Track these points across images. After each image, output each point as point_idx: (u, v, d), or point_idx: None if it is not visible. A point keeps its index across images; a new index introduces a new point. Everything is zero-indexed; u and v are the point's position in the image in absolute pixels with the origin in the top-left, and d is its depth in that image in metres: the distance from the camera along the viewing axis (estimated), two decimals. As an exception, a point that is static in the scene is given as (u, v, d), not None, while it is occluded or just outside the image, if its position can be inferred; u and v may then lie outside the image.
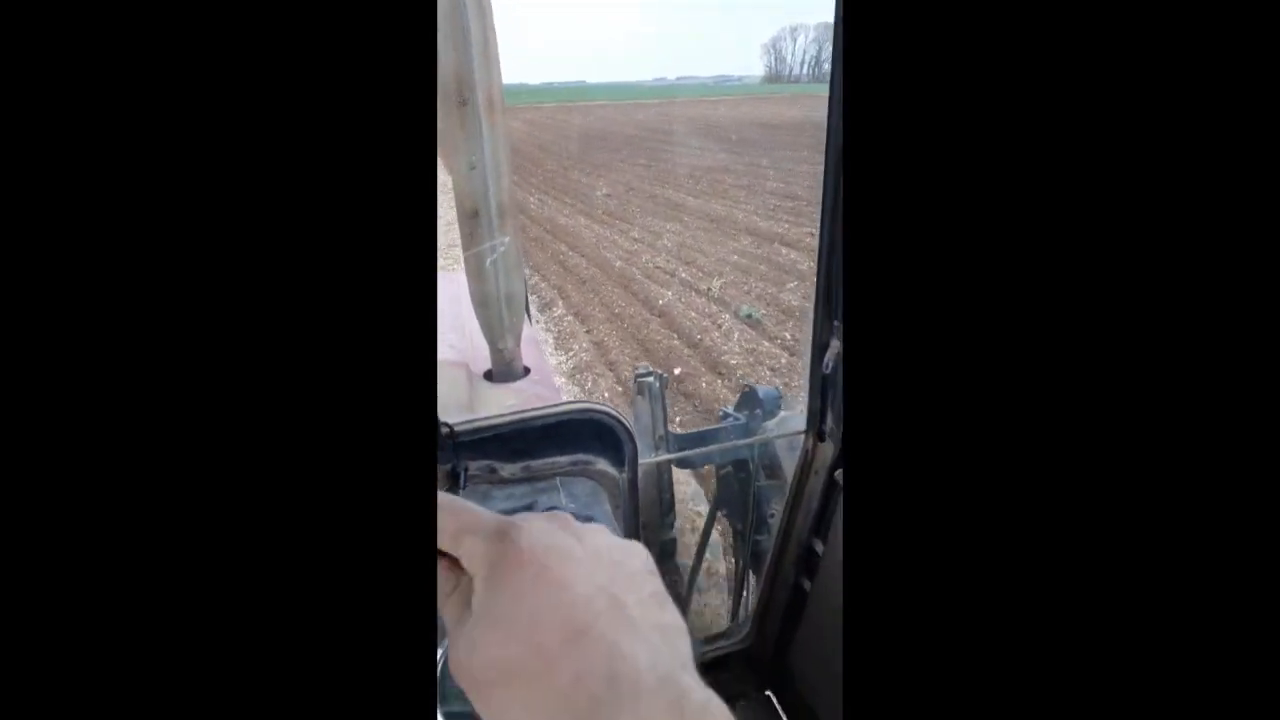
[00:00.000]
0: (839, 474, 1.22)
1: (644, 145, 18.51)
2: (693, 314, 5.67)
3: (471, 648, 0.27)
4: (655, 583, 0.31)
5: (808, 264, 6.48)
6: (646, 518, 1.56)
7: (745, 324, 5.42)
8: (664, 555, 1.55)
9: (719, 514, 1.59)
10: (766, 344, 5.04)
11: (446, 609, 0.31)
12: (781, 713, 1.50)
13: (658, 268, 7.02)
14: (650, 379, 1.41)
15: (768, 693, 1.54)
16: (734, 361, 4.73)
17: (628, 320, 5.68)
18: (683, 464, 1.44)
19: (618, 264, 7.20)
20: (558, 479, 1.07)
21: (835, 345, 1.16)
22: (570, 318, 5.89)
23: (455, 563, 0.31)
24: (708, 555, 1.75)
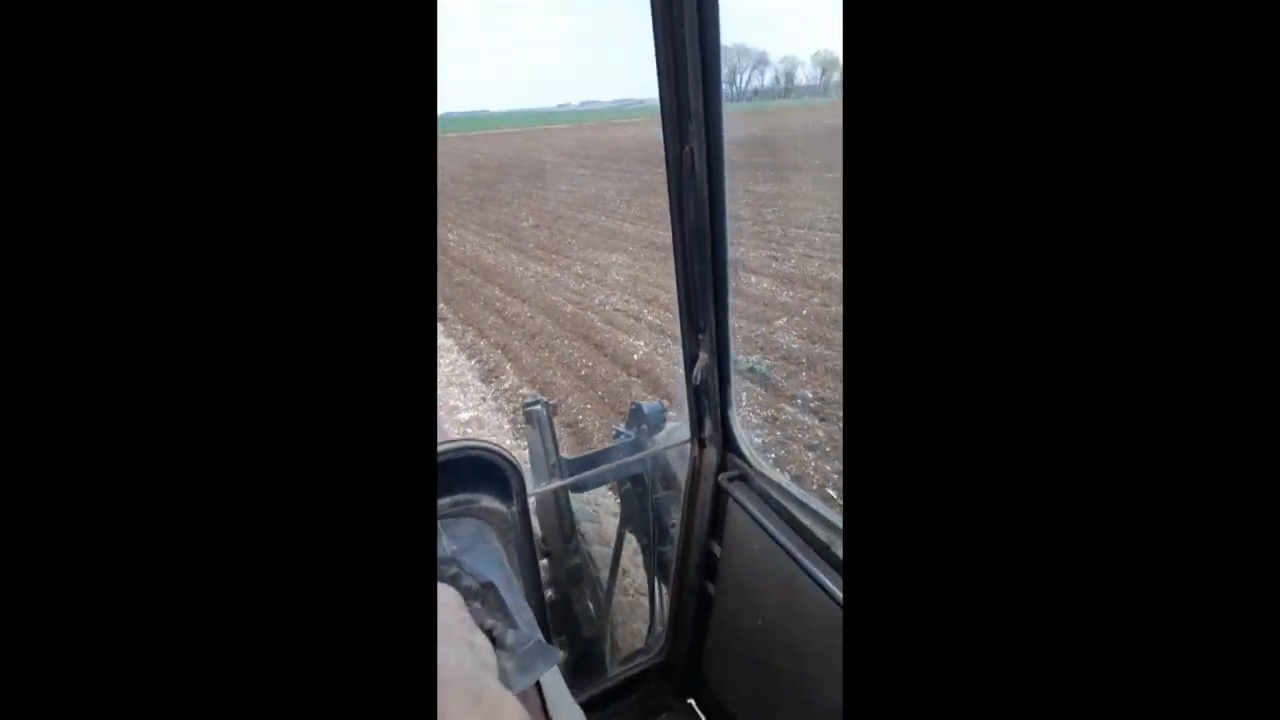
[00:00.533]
0: (723, 477, 1.28)
1: (562, 170, 17.70)
2: (679, 369, 4.79)
3: None
4: (464, 613, 0.45)
5: (789, 294, 5.88)
6: (551, 546, 1.55)
7: (749, 379, 4.31)
8: (571, 580, 1.55)
9: (625, 531, 1.60)
10: (789, 409, 3.90)
11: None
12: (704, 718, 1.52)
13: (618, 310, 5.85)
14: (538, 407, 1.41)
15: (690, 701, 1.57)
16: (760, 440, 3.54)
17: (601, 385, 4.34)
18: (577, 488, 1.45)
19: (569, 309, 5.95)
20: (439, 523, 1.04)
21: (703, 357, 1.22)
22: (526, 390, 4.42)
23: None
24: (627, 583, 1.76)
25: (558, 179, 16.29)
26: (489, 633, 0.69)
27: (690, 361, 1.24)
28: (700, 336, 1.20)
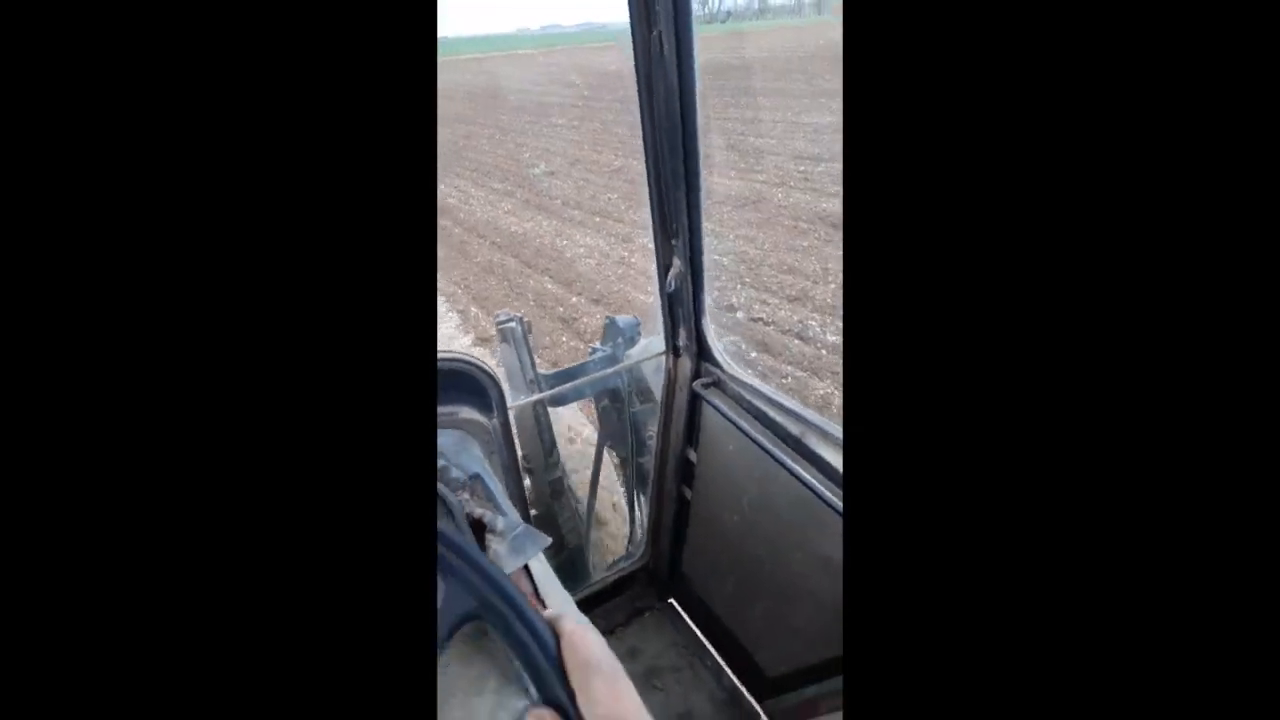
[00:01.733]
0: (698, 384, 1.30)
1: (550, 101, 15.22)
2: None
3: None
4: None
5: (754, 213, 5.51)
6: (532, 462, 1.58)
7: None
8: (555, 494, 1.59)
9: (604, 447, 1.64)
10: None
11: None
12: (686, 616, 1.62)
13: (773, 325, 4.08)
14: (512, 324, 1.39)
15: (670, 600, 1.66)
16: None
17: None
18: (555, 401, 1.47)
19: (647, 299, 4.46)
20: None
21: (676, 264, 1.21)
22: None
23: None
24: (606, 491, 1.82)
25: (548, 111, 13.94)
26: (479, 520, 0.70)
27: (664, 270, 1.23)
28: (674, 242, 1.18)
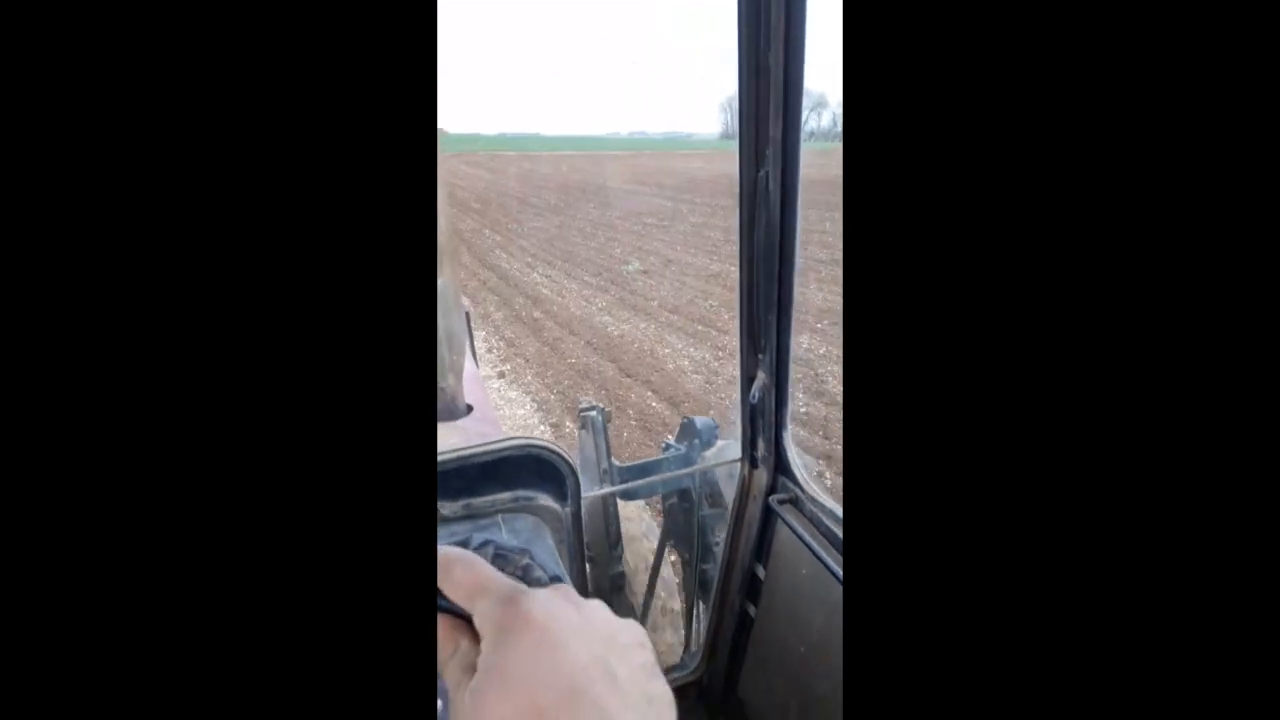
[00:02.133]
0: (774, 499, 1.28)
1: (639, 199, 15.58)
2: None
3: (476, 704, 0.29)
4: (646, 655, 0.33)
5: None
6: (595, 552, 1.58)
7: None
8: (614, 588, 1.57)
9: (668, 545, 1.62)
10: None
11: (447, 672, 0.33)
12: None
13: None
14: (593, 413, 1.44)
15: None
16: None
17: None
18: (627, 496, 1.47)
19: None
20: (499, 515, 1.09)
21: (761, 377, 1.23)
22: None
23: (455, 624, 0.34)
24: (661, 591, 1.77)
25: (637, 208, 14.26)
26: None
27: (747, 381, 1.25)
28: (760, 356, 1.21)
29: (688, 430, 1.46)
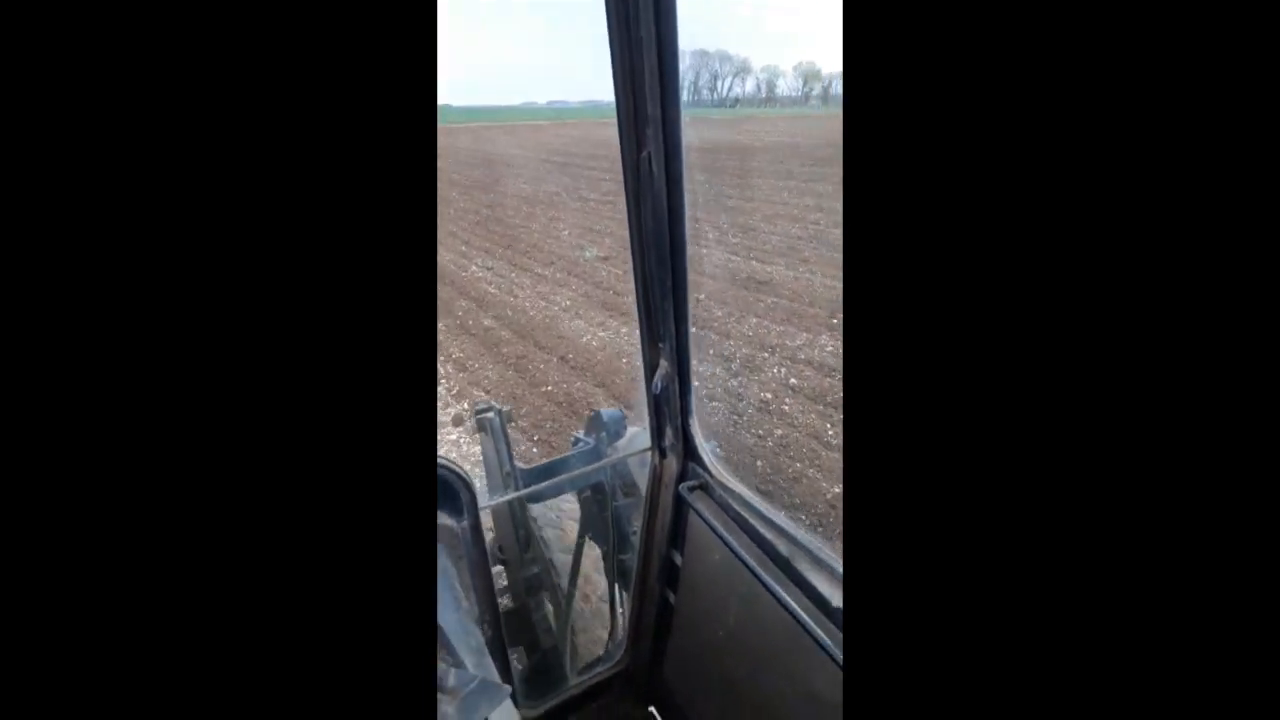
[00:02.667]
0: (684, 487, 1.26)
1: (579, 174, 13.70)
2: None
3: None
4: None
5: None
6: (508, 555, 1.51)
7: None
8: (530, 589, 1.51)
9: (586, 538, 1.57)
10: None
11: None
12: None
13: None
14: (490, 414, 1.36)
15: (650, 709, 1.56)
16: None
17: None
18: (533, 499, 1.41)
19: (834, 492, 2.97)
20: None
21: (663, 365, 1.19)
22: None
23: None
24: (584, 585, 1.74)
25: (573, 182, 12.51)
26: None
27: (650, 370, 1.21)
28: (660, 345, 1.17)
29: (595, 423, 1.40)
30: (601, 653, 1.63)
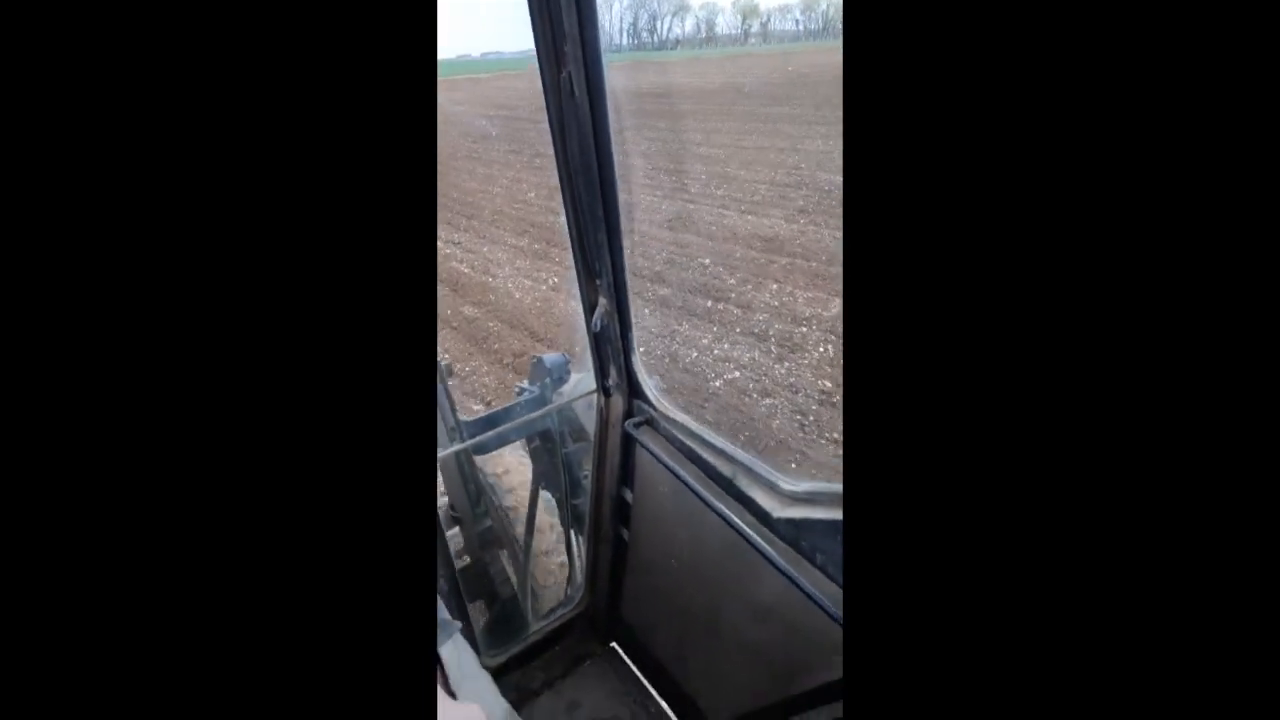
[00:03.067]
0: (629, 423, 1.26)
1: (527, 127, 12.61)
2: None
3: None
4: None
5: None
6: (459, 512, 1.49)
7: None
8: (484, 544, 1.50)
9: (539, 487, 1.57)
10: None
11: None
12: (629, 661, 1.56)
13: None
14: (430, 367, 1.32)
15: (613, 645, 1.60)
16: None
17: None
18: (478, 450, 1.39)
19: None
20: None
21: (602, 303, 1.17)
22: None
23: None
24: (542, 533, 1.74)
25: (528, 138, 11.54)
26: None
27: (589, 309, 1.19)
28: (597, 281, 1.15)
29: (538, 370, 1.39)
30: (561, 597, 1.65)
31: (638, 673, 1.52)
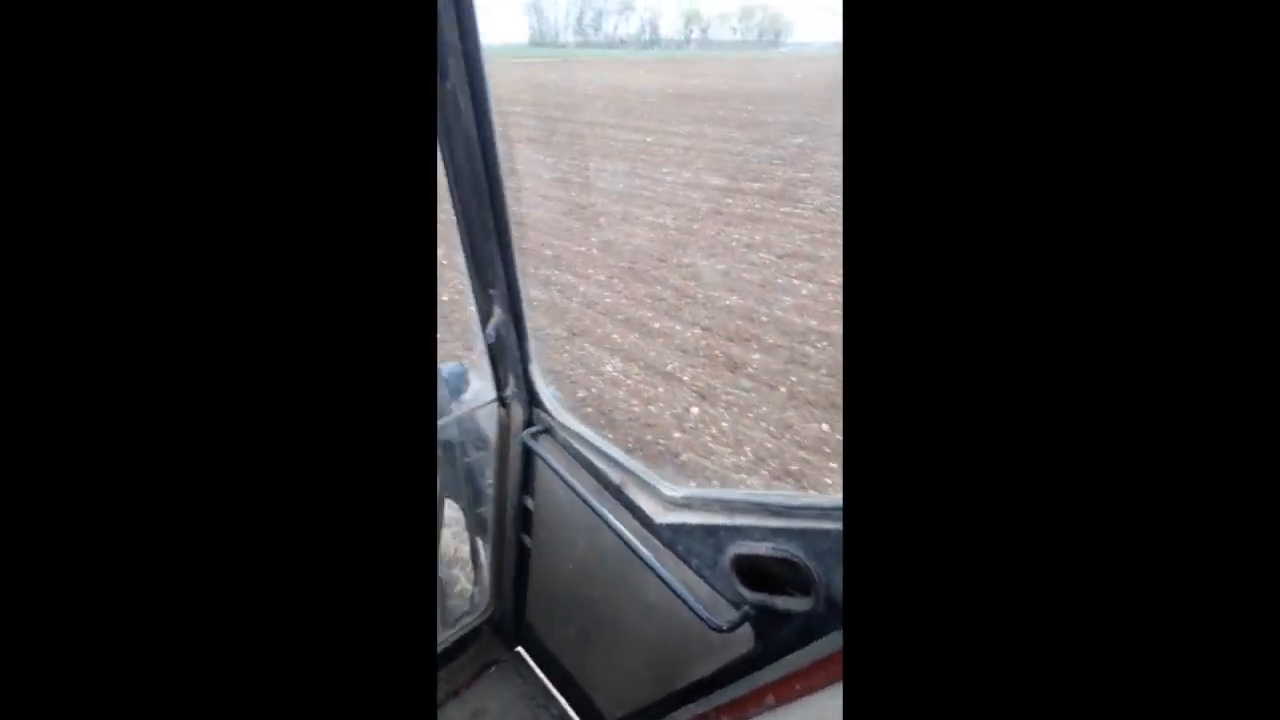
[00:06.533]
0: (528, 434, 1.27)
1: (508, 119, 10.79)
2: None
3: None
4: None
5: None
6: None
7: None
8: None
9: (442, 497, 1.55)
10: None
11: None
12: (534, 664, 1.57)
13: None
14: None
15: (518, 649, 1.60)
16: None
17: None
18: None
19: None
20: None
21: (497, 313, 1.18)
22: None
23: None
24: (449, 543, 1.72)
25: (509, 133, 10.12)
26: None
27: (484, 318, 1.19)
28: (491, 291, 1.15)
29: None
30: (467, 606, 1.64)
31: (542, 676, 1.54)
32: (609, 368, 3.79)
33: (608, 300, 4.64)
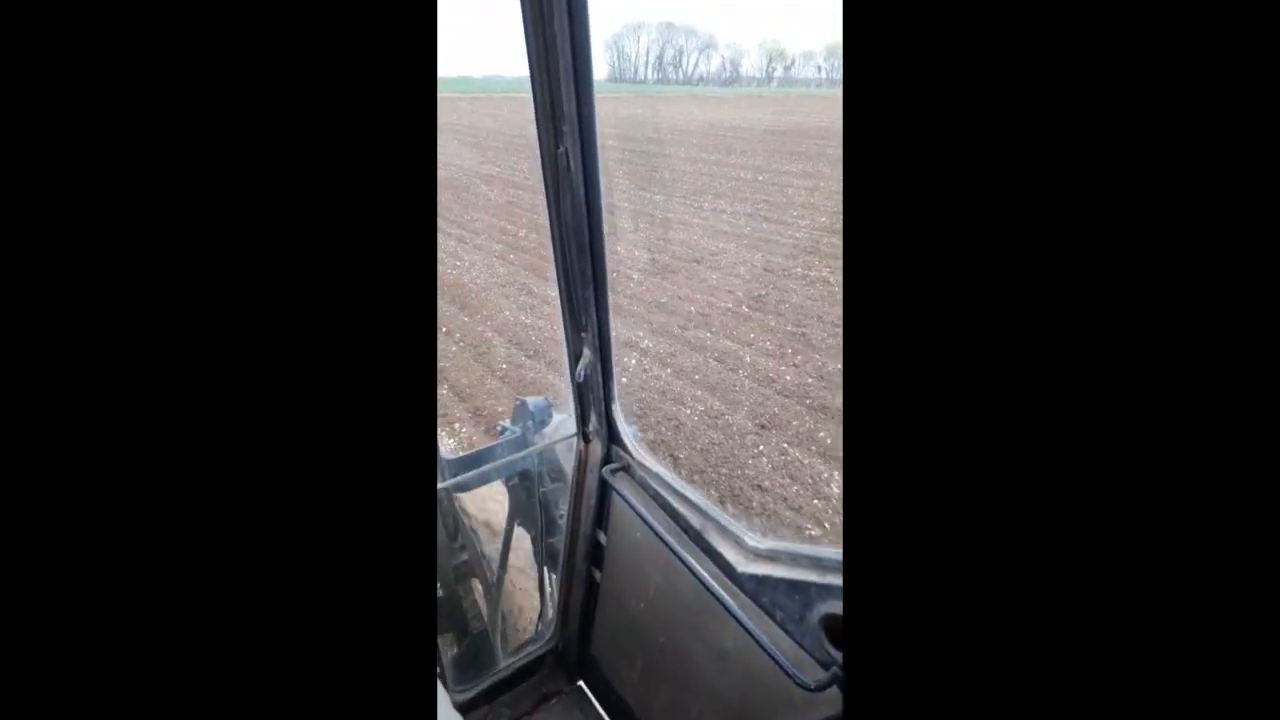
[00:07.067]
0: (606, 470, 1.31)
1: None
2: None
3: None
4: None
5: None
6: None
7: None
8: (459, 578, 1.53)
9: (515, 524, 1.60)
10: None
11: None
12: (595, 700, 1.58)
13: None
14: (417, 405, 1.36)
15: (580, 684, 1.62)
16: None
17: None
18: (459, 488, 1.43)
19: None
20: None
21: (586, 354, 1.24)
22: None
23: None
24: (515, 570, 1.77)
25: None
26: None
27: (574, 359, 1.25)
28: (583, 334, 1.21)
29: (521, 412, 1.43)
30: (532, 634, 1.67)
31: (602, 711, 1.54)
32: (836, 487, 2.65)
33: (788, 378, 3.57)
